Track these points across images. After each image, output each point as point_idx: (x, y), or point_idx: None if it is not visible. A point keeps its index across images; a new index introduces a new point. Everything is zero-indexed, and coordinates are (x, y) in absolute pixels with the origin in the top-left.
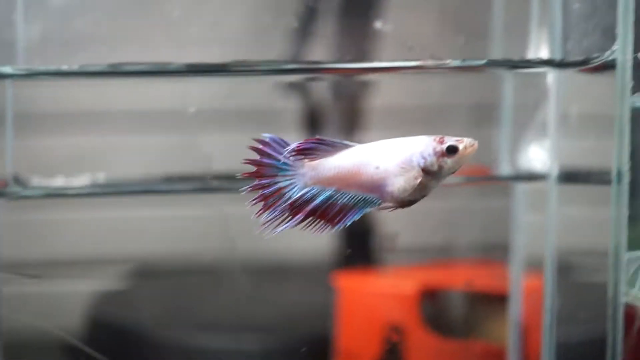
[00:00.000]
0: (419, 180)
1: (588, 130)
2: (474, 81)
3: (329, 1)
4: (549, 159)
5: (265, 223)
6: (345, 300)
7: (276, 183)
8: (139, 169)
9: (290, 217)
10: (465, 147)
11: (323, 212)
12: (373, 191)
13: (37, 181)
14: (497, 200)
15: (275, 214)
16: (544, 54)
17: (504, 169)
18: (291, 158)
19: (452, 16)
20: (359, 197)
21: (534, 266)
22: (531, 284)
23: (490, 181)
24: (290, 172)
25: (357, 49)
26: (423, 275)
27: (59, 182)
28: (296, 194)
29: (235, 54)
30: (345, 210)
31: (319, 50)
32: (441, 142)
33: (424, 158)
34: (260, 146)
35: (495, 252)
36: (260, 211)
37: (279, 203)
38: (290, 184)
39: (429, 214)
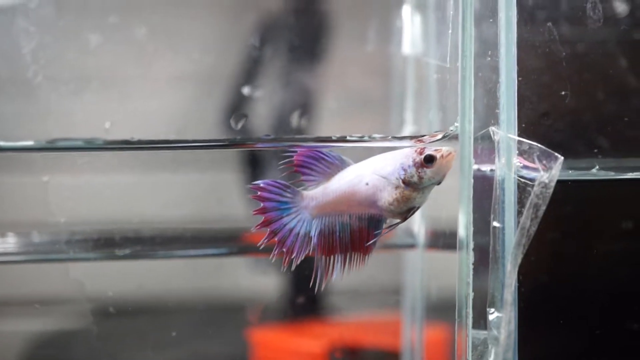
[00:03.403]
0: (399, 192)
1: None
2: None
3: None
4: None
5: (285, 262)
6: (258, 356)
7: (285, 225)
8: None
9: (315, 252)
10: (442, 156)
11: (342, 242)
12: (371, 208)
13: None
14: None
15: (295, 254)
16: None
17: None
18: (289, 191)
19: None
20: (365, 217)
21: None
22: (430, 339)
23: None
24: (294, 209)
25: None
26: (334, 332)
27: None
28: (306, 228)
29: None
30: (362, 233)
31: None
32: (420, 153)
33: (404, 170)
34: (259, 193)
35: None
36: (276, 252)
37: (296, 242)
38: (298, 220)
39: None
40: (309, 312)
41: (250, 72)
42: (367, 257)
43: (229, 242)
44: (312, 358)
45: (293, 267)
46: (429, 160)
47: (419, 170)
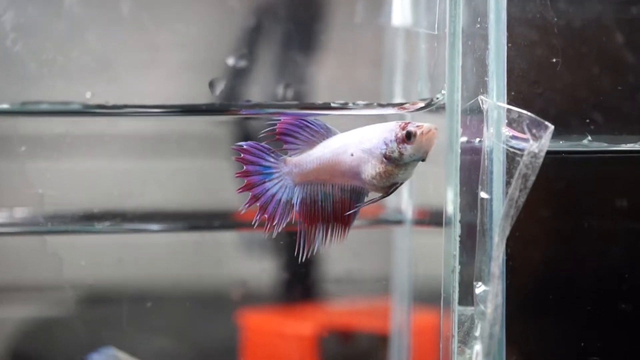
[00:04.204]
0: (381, 167)
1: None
2: None
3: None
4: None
5: (267, 228)
6: (248, 339)
7: (267, 190)
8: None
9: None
10: (422, 133)
11: (324, 212)
12: (354, 180)
13: None
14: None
15: (277, 220)
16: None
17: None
18: (273, 156)
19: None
20: (347, 188)
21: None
22: (419, 323)
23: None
24: (276, 174)
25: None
26: (325, 314)
27: None
28: (288, 195)
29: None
30: (344, 204)
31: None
32: (403, 129)
33: (386, 144)
34: (242, 155)
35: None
36: (259, 217)
37: (277, 208)
38: (280, 186)
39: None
40: (298, 295)
41: (236, 42)
42: (347, 229)
43: (214, 219)
44: (302, 341)
45: (274, 235)
46: (409, 136)
47: (400, 146)
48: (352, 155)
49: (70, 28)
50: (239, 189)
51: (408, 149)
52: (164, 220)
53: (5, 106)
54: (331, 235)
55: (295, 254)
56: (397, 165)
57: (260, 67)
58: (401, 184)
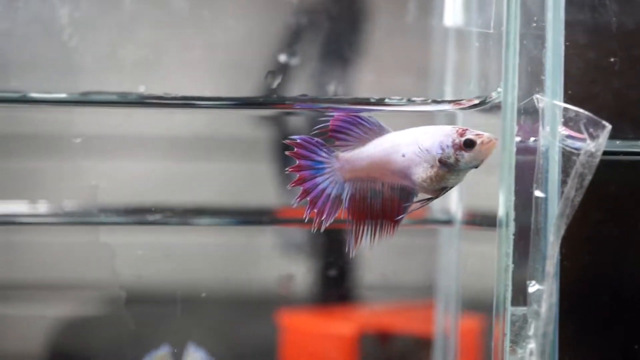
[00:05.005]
0: (434, 170)
1: (487, 172)
2: None
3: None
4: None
5: (315, 224)
6: (288, 340)
7: (318, 185)
8: (107, 196)
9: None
10: (482, 143)
11: (373, 209)
12: (404, 179)
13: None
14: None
15: (325, 215)
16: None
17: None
18: (325, 151)
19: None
20: (397, 187)
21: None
22: (465, 327)
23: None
24: (328, 169)
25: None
26: (365, 316)
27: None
28: (338, 190)
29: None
30: (393, 203)
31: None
32: (461, 135)
33: (442, 149)
34: (295, 149)
35: (429, 293)
36: (309, 212)
37: (327, 203)
38: (330, 181)
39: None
40: (339, 296)
41: (288, 39)
42: (396, 227)
43: (260, 216)
44: (342, 341)
45: (322, 229)
46: (469, 144)
47: (457, 153)
48: (403, 156)
49: (124, 23)
50: (292, 183)
51: (465, 156)
52: (212, 215)
53: (63, 95)
54: (379, 233)
55: (346, 250)
56: (450, 170)
57: (312, 64)
58: (451, 188)
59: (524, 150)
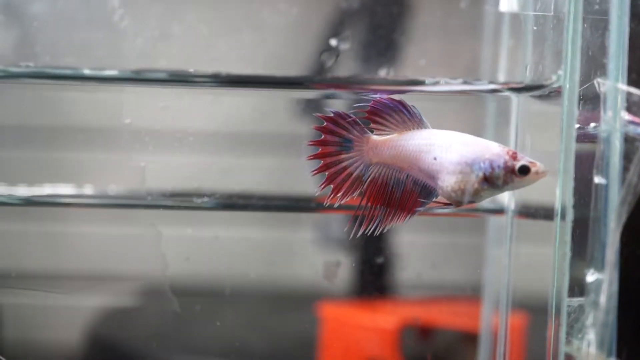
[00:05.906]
0: (471, 184)
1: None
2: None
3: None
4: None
5: (331, 196)
6: (328, 331)
7: (340, 162)
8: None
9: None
10: (536, 172)
11: (391, 197)
12: (429, 179)
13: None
14: (473, 236)
15: (342, 192)
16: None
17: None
18: (357, 130)
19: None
20: (420, 183)
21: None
22: (514, 323)
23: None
24: (357, 149)
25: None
26: (405, 310)
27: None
28: (361, 171)
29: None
30: (412, 197)
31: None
32: (514, 158)
33: (492, 168)
34: (325, 123)
35: (473, 289)
36: (324, 185)
37: (347, 181)
38: (355, 161)
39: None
40: (381, 289)
41: (339, 23)
42: (408, 217)
43: (300, 202)
44: (384, 334)
45: (336, 205)
46: (523, 171)
47: (507, 175)
48: (434, 159)
49: (173, 5)
50: (310, 156)
51: (515, 180)
52: (257, 201)
53: (114, 72)
54: (390, 220)
55: (352, 230)
56: (490, 189)
57: (362, 49)
58: (475, 203)
59: (582, 137)
